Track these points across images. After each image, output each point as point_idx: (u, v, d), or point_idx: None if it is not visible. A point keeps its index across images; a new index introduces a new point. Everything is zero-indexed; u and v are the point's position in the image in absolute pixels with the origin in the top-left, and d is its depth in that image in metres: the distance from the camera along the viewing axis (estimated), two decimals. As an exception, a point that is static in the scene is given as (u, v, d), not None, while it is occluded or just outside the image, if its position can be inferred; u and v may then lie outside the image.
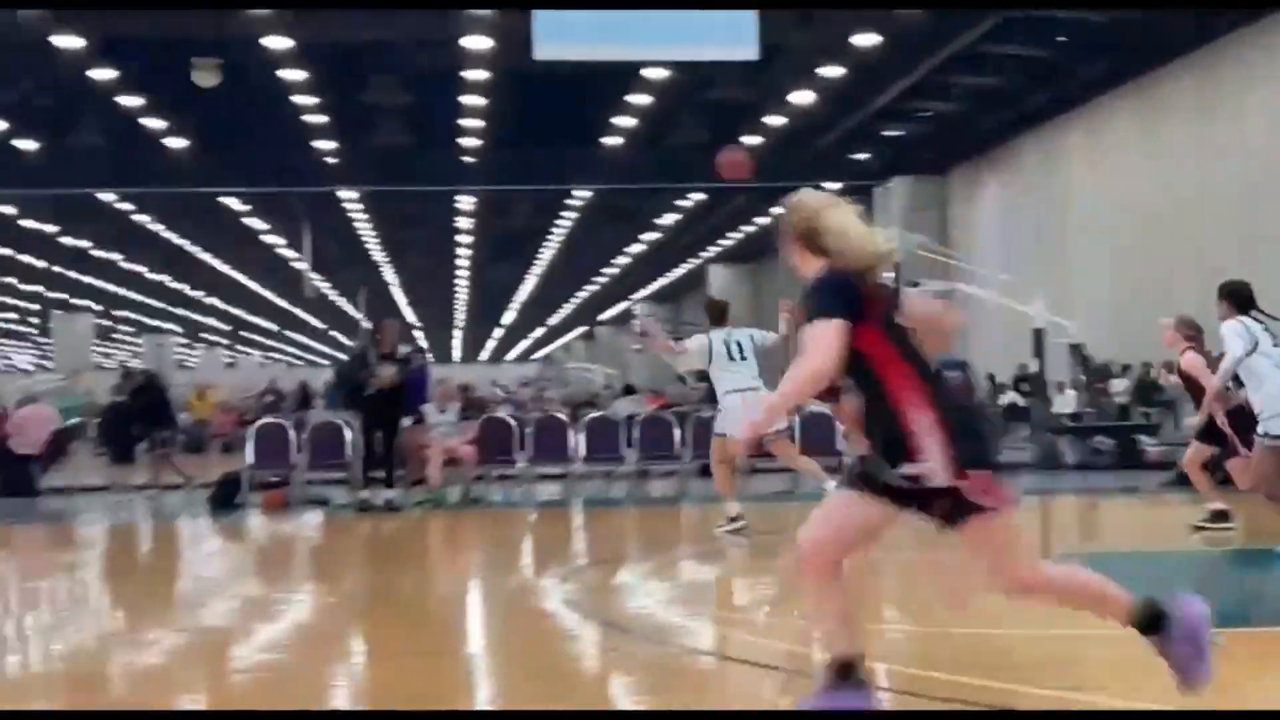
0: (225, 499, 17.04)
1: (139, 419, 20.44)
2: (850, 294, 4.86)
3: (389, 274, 54.09)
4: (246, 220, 41.71)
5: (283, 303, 58.95)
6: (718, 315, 12.82)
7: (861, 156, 35.32)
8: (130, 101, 28.79)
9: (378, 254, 49.28)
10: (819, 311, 4.85)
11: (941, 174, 36.66)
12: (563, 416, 20.07)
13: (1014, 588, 4.97)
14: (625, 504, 17.06)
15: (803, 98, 29.21)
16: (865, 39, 25.54)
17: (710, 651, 7.34)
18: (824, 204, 5.12)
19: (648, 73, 27.78)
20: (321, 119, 30.84)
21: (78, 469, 21.97)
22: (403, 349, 17.06)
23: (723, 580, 10.79)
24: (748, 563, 11.49)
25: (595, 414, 20.66)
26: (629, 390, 29.56)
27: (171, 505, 18.19)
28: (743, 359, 12.42)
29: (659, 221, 44.37)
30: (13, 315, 61.91)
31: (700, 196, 39.61)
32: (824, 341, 4.79)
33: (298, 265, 45.53)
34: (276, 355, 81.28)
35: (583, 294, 61.74)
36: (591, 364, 65.54)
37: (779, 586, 9.33)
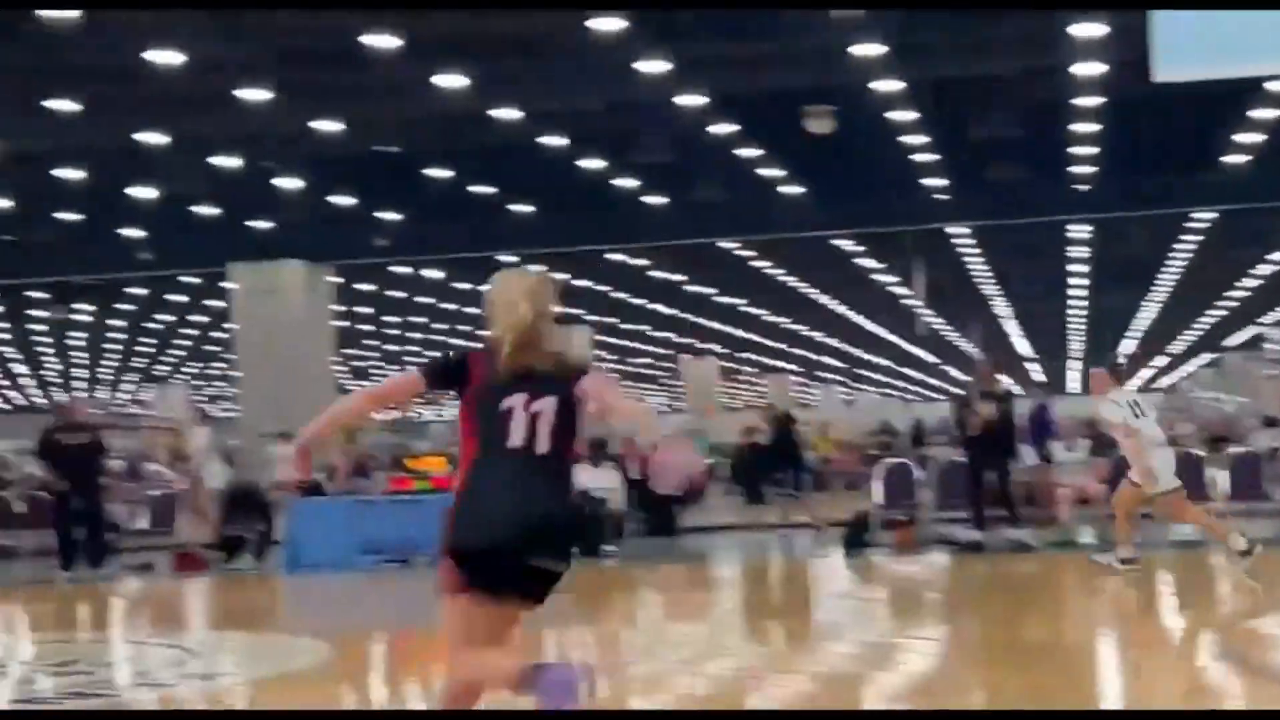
0: (856, 538, 17.31)
1: (773, 458, 21.18)
2: (458, 365, 5.28)
3: (1000, 307, 53.50)
4: (859, 260, 42.42)
5: (896, 339, 59.52)
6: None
7: None
8: (748, 153, 30.00)
9: (989, 288, 48.86)
10: None
11: None
12: (1197, 451, 19.12)
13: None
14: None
15: None
16: None
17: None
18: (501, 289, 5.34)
19: (1272, 85, 26.14)
20: (930, 157, 30.95)
21: (714, 508, 22.98)
22: (1003, 385, 16.87)
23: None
24: None
25: (1239, 450, 19.72)
26: (1271, 422, 27.71)
27: (803, 544, 18.68)
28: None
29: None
30: (645, 360, 65.69)
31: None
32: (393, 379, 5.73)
33: (910, 303, 45.91)
34: (891, 391, 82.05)
35: (1206, 320, 58.76)
36: (1222, 393, 62.25)
37: None
